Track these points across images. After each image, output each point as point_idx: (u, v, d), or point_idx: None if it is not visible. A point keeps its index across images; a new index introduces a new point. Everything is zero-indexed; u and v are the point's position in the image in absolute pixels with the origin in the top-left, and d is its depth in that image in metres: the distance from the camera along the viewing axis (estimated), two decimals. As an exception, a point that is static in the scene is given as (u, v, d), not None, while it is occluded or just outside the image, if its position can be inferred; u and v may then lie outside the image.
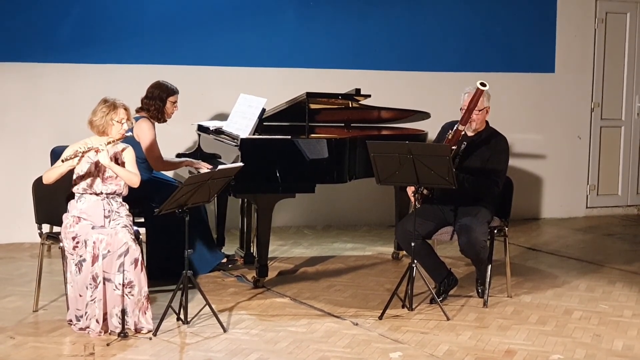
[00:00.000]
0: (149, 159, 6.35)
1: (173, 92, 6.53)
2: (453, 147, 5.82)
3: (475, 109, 5.90)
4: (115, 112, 5.39)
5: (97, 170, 5.38)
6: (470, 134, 6.01)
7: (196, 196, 5.34)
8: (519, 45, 9.09)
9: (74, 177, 5.39)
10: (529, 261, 7.40)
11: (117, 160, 5.44)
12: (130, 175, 5.41)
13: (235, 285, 6.45)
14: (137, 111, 6.47)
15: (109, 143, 5.33)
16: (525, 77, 9.15)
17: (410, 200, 6.12)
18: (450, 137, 5.88)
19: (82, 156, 5.29)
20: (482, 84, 5.78)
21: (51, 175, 5.32)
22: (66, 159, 5.25)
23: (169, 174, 7.03)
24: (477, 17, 8.92)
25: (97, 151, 5.29)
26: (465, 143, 6.00)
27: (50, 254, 7.01)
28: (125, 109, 5.44)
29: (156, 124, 6.53)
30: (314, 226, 8.63)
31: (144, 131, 6.33)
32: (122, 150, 5.50)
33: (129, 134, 5.60)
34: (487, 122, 6.08)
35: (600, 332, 5.47)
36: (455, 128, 5.87)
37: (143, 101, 6.49)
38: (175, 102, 6.53)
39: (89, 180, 5.37)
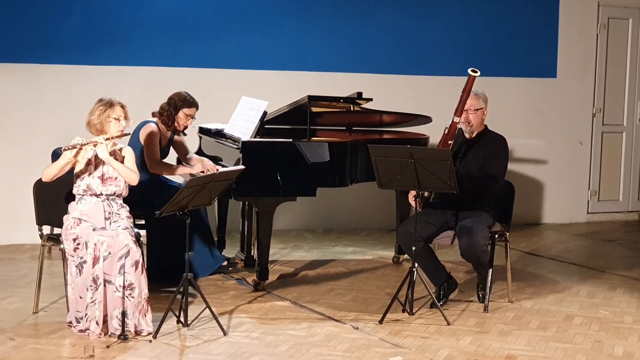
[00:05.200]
0: (146, 159, 6.36)
1: (190, 104, 6.50)
2: (450, 142, 5.83)
3: (472, 108, 5.92)
4: (113, 110, 5.39)
5: (96, 171, 5.38)
6: (469, 136, 6.02)
7: (197, 199, 5.33)
8: (521, 50, 9.09)
9: (74, 178, 5.39)
10: (530, 266, 7.40)
11: (116, 158, 5.43)
12: (129, 172, 5.41)
13: (235, 288, 6.44)
14: (153, 115, 6.51)
15: (107, 139, 5.33)
16: (527, 82, 9.15)
17: (411, 204, 6.12)
18: (446, 131, 5.89)
19: (81, 148, 5.28)
20: (474, 71, 5.79)
21: (50, 171, 5.32)
22: (65, 150, 5.25)
23: (170, 175, 7.01)
24: (479, 21, 8.92)
25: (95, 145, 5.29)
26: (465, 146, 6.01)
27: (50, 255, 7.00)
28: (122, 106, 5.44)
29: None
30: (315, 229, 8.63)
31: (146, 133, 6.34)
32: (121, 149, 5.51)
33: (129, 131, 5.60)
34: (485, 126, 6.09)
35: (601, 338, 5.46)
36: (450, 121, 5.88)
37: (161, 105, 6.51)
38: (190, 115, 6.49)
39: (88, 181, 5.37)
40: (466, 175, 5.86)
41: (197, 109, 6.55)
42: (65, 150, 5.27)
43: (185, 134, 6.65)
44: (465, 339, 5.37)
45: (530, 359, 5.06)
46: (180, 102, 6.48)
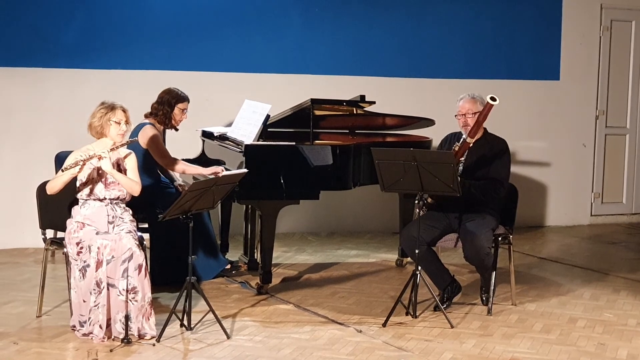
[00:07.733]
0: (161, 164, 6.38)
1: (183, 99, 6.54)
2: (461, 159, 5.83)
3: (469, 112, 5.92)
4: (114, 113, 5.39)
5: (99, 176, 5.38)
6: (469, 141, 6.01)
7: (200, 202, 5.33)
8: (524, 53, 9.09)
9: (77, 183, 5.39)
10: (534, 269, 7.39)
11: (119, 166, 5.44)
12: (131, 183, 5.41)
13: (238, 291, 6.44)
14: (146, 116, 6.50)
15: (111, 149, 5.33)
16: (530, 85, 9.15)
17: (414, 207, 6.11)
18: (457, 149, 5.86)
19: (84, 164, 5.29)
20: (493, 99, 5.74)
21: (54, 185, 5.33)
22: (67, 168, 5.25)
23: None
24: (482, 24, 8.92)
25: (99, 158, 5.29)
26: (466, 151, 6.00)
27: (54, 259, 7.01)
28: (124, 110, 5.44)
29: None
30: (318, 233, 8.62)
31: (148, 137, 6.34)
32: (125, 156, 5.50)
33: (134, 138, 5.60)
34: (485, 129, 6.08)
35: (605, 341, 5.45)
36: (462, 140, 5.86)
37: (153, 106, 6.52)
38: (184, 109, 6.54)
39: (91, 186, 5.37)
40: (472, 185, 5.84)
41: (189, 102, 6.57)
42: (66, 169, 5.26)
43: (177, 129, 6.64)
44: (468, 342, 5.37)
45: (534, 362, 5.07)
46: (174, 98, 6.51)
